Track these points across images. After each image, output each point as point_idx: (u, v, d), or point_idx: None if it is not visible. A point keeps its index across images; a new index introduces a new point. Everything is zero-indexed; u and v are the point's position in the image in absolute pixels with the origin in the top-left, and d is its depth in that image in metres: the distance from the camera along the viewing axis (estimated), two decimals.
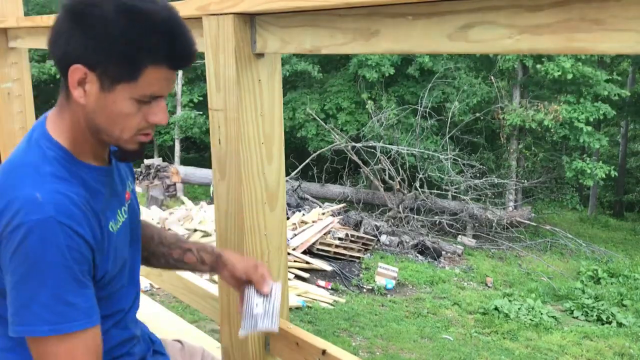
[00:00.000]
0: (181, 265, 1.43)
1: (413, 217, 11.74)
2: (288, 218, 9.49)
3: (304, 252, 8.61)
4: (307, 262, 8.36)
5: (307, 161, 13.00)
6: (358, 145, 12.70)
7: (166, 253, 1.43)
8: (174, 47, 1.06)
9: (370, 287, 8.40)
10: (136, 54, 1.03)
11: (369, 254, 9.60)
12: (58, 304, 1.02)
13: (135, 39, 1.02)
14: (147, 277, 2.09)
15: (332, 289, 8.08)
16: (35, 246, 1.00)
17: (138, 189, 11.70)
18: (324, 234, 9.06)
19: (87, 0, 1.04)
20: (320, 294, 7.69)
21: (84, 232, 1.05)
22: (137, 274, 1.34)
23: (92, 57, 1.04)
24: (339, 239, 9.14)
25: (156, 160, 13.85)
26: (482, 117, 15.30)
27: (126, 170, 1.33)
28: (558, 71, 13.47)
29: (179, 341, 1.59)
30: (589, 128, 14.15)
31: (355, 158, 12.53)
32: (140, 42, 1.03)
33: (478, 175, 13.15)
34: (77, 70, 1.05)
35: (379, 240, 10.31)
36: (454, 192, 12.72)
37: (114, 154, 1.20)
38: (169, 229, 7.94)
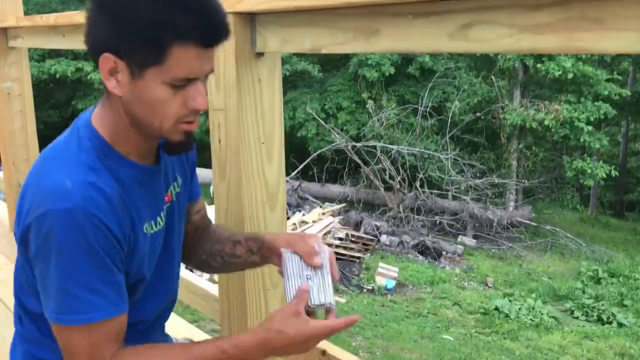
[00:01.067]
0: (235, 261, 1.33)
1: (413, 217, 11.74)
2: (288, 218, 9.49)
3: None
4: None
5: (307, 161, 12.99)
6: (358, 145, 12.69)
7: (220, 250, 1.35)
8: (200, 21, 0.98)
9: (371, 287, 8.40)
10: (159, 33, 0.97)
11: (369, 254, 9.60)
12: (84, 291, 1.01)
13: (156, 16, 0.97)
14: None
15: None
16: (61, 234, 0.99)
17: None
18: (324, 234, 9.06)
19: None
20: None
21: (110, 225, 1.02)
22: (170, 284, 1.28)
23: (118, 44, 0.99)
24: (339, 239, 9.15)
25: None
26: (482, 117, 15.29)
27: (176, 171, 1.27)
28: (558, 70, 13.46)
29: (189, 340, 1.59)
30: (590, 128, 14.15)
31: (355, 158, 12.53)
32: (162, 19, 0.97)
33: (478, 175, 13.15)
34: (106, 60, 1.00)
35: (379, 240, 10.31)
36: (455, 192, 12.72)
37: (162, 148, 1.15)
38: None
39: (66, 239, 0.99)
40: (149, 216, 1.15)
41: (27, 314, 1.18)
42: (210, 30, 1.01)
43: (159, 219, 1.18)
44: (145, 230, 1.13)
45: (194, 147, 1.20)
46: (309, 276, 1.18)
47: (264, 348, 1.09)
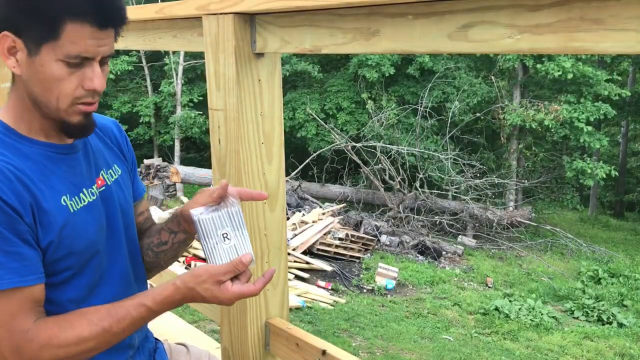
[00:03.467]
0: (164, 248, 1.34)
1: (413, 217, 11.74)
2: (288, 218, 9.49)
3: (304, 253, 8.61)
4: (307, 263, 8.36)
5: (307, 161, 13.00)
6: (358, 145, 12.70)
7: (149, 242, 1.37)
8: (94, 1, 1.03)
9: (371, 288, 8.40)
10: (53, 9, 1.02)
11: (369, 254, 9.60)
12: None
13: None
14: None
15: (332, 289, 8.08)
16: None
17: None
18: (324, 234, 9.06)
19: None
20: (320, 294, 7.68)
21: (4, 196, 1.04)
22: (122, 266, 1.28)
23: (16, 21, 1.03)
24: (339, 239, 9.15)
25: (156, 160, 13.87)
26: (482, 117, 15.31)
27: (110, 160, 1.31)
28: (558, 71, 13.48)
29: (183, 345, 1.59)
30: (590, 128, 14.16)
31: (355, 158, 12.53)
32: None
33: (478, 175, 13.15)
34: (5, 38, 1.04)
35: (379, 240, 10.31)
36: (454, 192, 12.73)
37: (64, 133, 1.17)
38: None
39: None
40: (67, 191, 1.16)
41: None
42: (103, 11, 1.04)
43: (82, 195, 1.19)
44: (63, 203, 1.15)
45: (94, 131, 1.21)
46: (225, 235, 1.16)
47: (183, 301, 1.15)
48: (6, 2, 1.04)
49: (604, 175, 13.80)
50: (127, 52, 17.69)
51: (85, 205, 1.19)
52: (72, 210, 1.16)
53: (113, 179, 1.29)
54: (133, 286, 1.31)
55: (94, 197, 1.22)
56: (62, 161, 1.18)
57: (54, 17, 1.02)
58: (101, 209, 1.24)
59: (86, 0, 1.03)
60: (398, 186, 12.13)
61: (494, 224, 11.94)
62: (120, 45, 1.93)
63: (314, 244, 8.81)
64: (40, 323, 1.08)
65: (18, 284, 1.05)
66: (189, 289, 1.12)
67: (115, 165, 1.32)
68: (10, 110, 1.14)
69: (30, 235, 1.08)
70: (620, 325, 8.30)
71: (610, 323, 8.36)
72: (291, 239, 8.62)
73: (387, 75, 15.00)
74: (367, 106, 14.19)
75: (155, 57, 18.33)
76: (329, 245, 8.95)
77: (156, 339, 1.47)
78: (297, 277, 7.99)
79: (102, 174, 1.27)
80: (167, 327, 2.48)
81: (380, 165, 12.36)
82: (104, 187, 1.26)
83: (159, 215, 9.11)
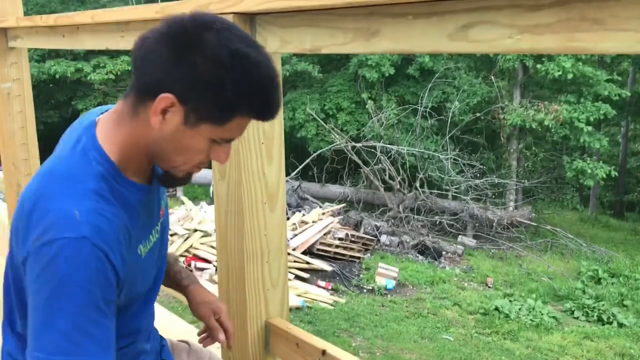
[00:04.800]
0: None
1: (413, 217, 11.74)
2: (288, 218, 9.49)
3: (304, 252, 8.60)
4: (307, 262, 8.36)
5: (307, 161, 13.00)
6: (358, 145, 12.69)
7: None
8: (268, 101, 1.04)
9: (371, 288, 8.39)
10: (236, 103, 1.00)
11: (369, 254, 9.60)
12: (76, 332, 0.97)
13: (243, 89, 0.99)
14: None
15: (332, 289, 8.08)
16: (63, 266, 0.96)
17: None
18: (324, 234, 9.06)
19: (194, 33, 0.99)
20: (320, 294, 7.68)
21: (114, 259, 1.01)
22: (157, 291, 1.31)
23: (189, 93, 0.99)
24: (339, 239, 9.14)
25: None
26: (482, 117, 15.30)
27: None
28: (558, 71, 13.47)
29: (185, 342, 1.59)
30: (590, 128, 14.15)
31: (355, 158, 12.53)
32: (246, 92, 1.00)
33: (478, 175, 13.15)
34: (165, 100, 1.00)
35: (379, 240, 10.31)
36: (454, 192, 12.72)
37: (159, 179, 1.16)
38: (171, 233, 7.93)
39: (67, 273, 0.96)
40: (143, 237, 1.15)
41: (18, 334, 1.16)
42: (272, 112, 1.06)
43: (151, 236, 1.19)
44: (138, 252, 1.14)
45: None
46: None
47: None
48: (189, 75, 0.99)
49: (604, 175, 13.80)
50: (127, 52, 17.69)
51: (151, 247, 1.19)
52: (142, 257, 1.15)
53: (165, 203, 1.29)
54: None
55: (157, 235, 1.23)
56: (147, 204, 1.17)
57: (232, 110, 1.01)
58: (158, 244, 1.24)
59: (264, 104, 1.04)
60: (398, 186, 12.12)
61: (494, 224, 11.93)
62: (121, 45, 1.93)
63: (314, 244, 8.80)
64: None
65: (103, 358, 1.01)
66: None
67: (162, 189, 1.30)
68: (118, 147, 1.08)
69: (114, 305, 1.05)
70: (621, 325, 8.30)
71: (611, 323, 8.35)
72: (291, 239, 8.61)
73: (387, 75, 14.99)
74: (367, 106, 14.18)
75: None
76: (329, 245, 8.95)
77: (161, 336, 1.47)
78: (297, 277, 7.99)
79: (162, 203, 1.26)
80: (168, 327, 2.48)
81: (380, 165, 12.36)
82: (163, 217, 1.26)
83: None
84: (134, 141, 1.08)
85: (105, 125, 1.10)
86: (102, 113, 1.15)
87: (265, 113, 1.05)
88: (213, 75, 0.98)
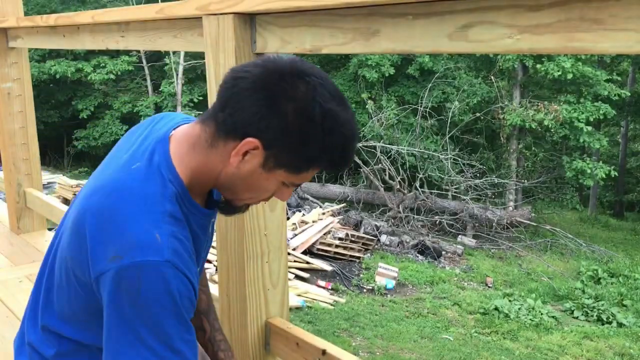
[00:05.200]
0: None
1: (413, 217, 11.74)
2: (288, 218, 9.49)
3: (304, 252, 8.61)
4: (307, 262, 8.36)
5: None
6: (358, 145, 12.69)
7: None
8: (347, 157, 1.06)
9: (371, 287, 8.40)
10: (318, 157, 1.03)
11: (369, 254, 9.61)
12: (166, 349, 0.98)
13: (328, 146, 1.01)
14: None
15: (332, 289, 8.09)
16: (149, 288, 0.96)
17: None
18: (324, 234, 9.06)
19: (289, 83, 1.00)
20: (320, 294, 7.69)
21: (193, 280, 1.02)
22: None
23: (275, 142, 1.01)
24: (339, 239, 9.15)
25: None
26: (482, 117, 15.31)
27: None
28: (558, 71, 13.48)
29: None
30: (589, 128, 14.16)
31: (355, 158, 12.53)
32: (329, 150, 1.02)
33: (478, 175, 13.16)
34: (250, 144, 1.01)
35: (379, 240, 10.31)
36: (454, 192, 12.73)
37: (219, 206, 1.17)
38: None
39: (152, 296, 0.96)
40: (197, 259, 1.15)
41: (60, 338, 1.15)
42: (347, 166, 1.09)
43: (200, 260, 1.21)
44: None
45: None
46: None
47: None
48: (280, 125, 1.00)
49: (604, 175, 13.81)
50: (127, 52, 17.69)
51: (199, 269, 1.21)
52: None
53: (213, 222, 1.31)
54: None
55: (203, 255, 1.25)
56: (206, 229, 1.19)
57: (313, 162, 1.04)
58: (202, 265, 1.27)
59: (344, 159, 1.05)
60: (398, 186, 12.13)
61: (493, 224, 11.94)
62: (121, 45, 1.93)
63: (314, 243, 8.81)
64: None
65: None
66: None
67: None
68: (190, 171, 1.08)
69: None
70: (620, 325, 8.31)
71: (610, 323, 8.36)
72: (291, 238, 8.62)
73: (387, 75, 15.00)
74: (367, 106, 14.19)
75: (156, 57, 18.34)
76: (329, 245, 8.95)
77: None
78: (297, 277, 7.99)
79: (215, 228, 1.29)
80: None
81: (380, 165, 12.36)
82: (210, 241, 1.29)
83: None
84: (206, 170, 1.08)
85: (180, 146, 1.10)
86: (174, 127, 1.14)
87: (342, 167, 1.08)
88: (302, 129, 1.00)
